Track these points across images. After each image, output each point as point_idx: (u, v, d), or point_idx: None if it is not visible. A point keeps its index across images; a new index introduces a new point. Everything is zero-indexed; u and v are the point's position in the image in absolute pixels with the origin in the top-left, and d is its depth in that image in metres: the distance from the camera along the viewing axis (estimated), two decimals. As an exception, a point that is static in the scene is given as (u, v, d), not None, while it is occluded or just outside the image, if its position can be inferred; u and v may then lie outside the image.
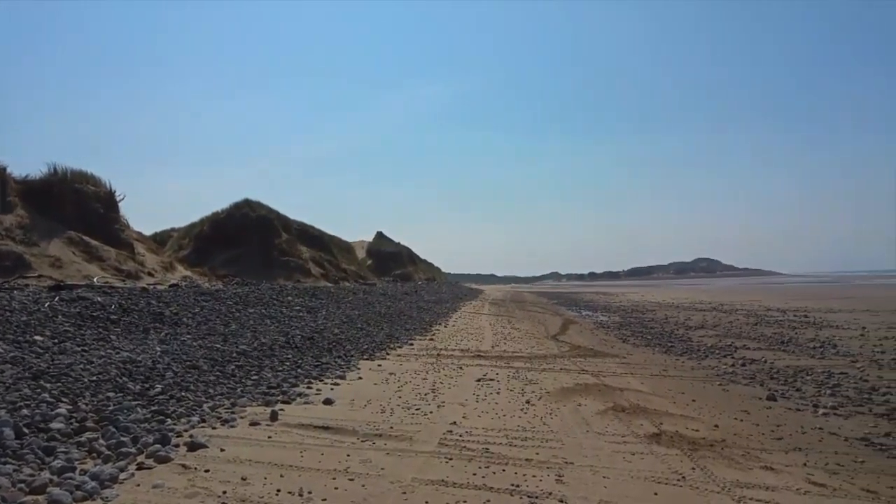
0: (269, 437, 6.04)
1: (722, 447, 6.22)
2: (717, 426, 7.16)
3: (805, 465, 5.78)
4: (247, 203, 30.68)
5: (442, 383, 9.30)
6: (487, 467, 5.33)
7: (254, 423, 6.47)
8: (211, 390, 7.71)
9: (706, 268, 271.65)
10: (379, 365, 10.86)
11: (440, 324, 20.46)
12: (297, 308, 17.30)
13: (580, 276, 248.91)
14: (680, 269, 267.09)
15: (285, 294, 19.87)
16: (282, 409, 7.10)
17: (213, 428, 6.23)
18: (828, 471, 5.62)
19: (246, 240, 28.07)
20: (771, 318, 23.50)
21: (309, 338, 12.55)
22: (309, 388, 8.54)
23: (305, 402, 7.67)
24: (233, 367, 9.08)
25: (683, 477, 5.20)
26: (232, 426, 6.35)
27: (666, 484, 5.03)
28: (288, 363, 9.98)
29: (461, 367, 10.92)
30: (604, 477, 5.15)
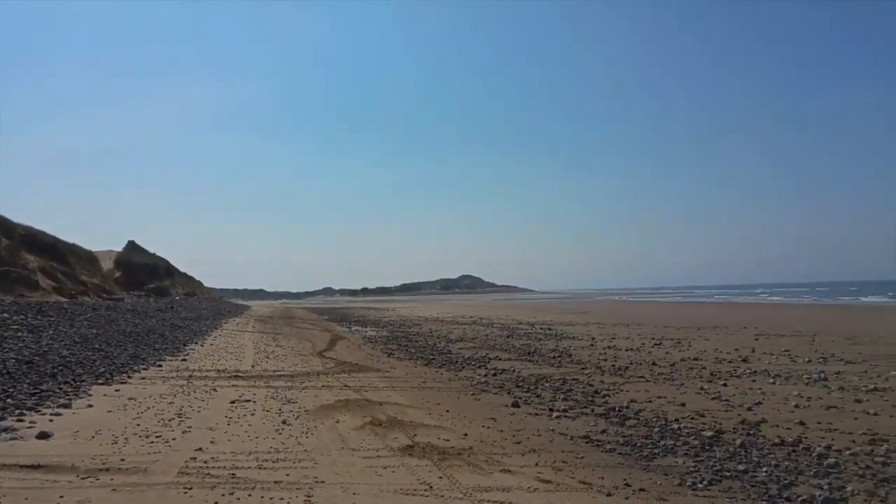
0: (-47, 486, 4.93)
1: (469, 454, 6.56)
2: (466, 434, 7.55)
3: (537, 464, 6.34)
4: (-45, 202, 25.54)
5: (191, 407, 8.54)
6: (232, 493, 4.96)
7: (-68, 470, 5.25)
8: None
9: (469, 284, 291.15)
10: (117, 390, 9.63)
11: (196, 343, 18.96)
12: (15, 327, 14.71)
13: (353, 292, 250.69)
14: (446, 286, 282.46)
15: (0, 311, 16.80)
16: (-23, 449, 5.88)
17: None
18: (554, 468, 6.22)
19: (-49, 246, 23.25)
20: (521, 330, 25.90)
21: (27, 361, 10.70)
22: (20, 420, 7.22)
23: (13, 439, 6.48)
24: None
25: (431, 486, 5.36)
26: None
27: (413, 495, 5.13)
28: (-6, 393, 8.36)
29: (215, 389, 10.15)
30: (354, 493, 5.09)
